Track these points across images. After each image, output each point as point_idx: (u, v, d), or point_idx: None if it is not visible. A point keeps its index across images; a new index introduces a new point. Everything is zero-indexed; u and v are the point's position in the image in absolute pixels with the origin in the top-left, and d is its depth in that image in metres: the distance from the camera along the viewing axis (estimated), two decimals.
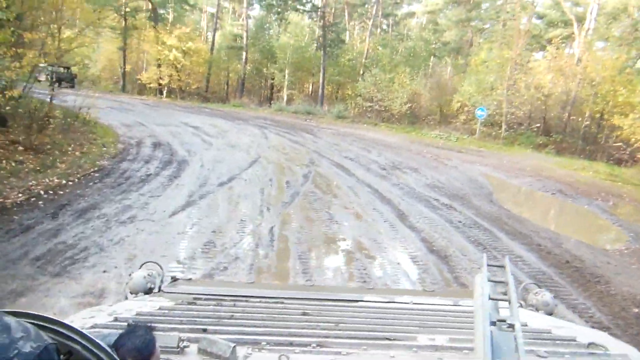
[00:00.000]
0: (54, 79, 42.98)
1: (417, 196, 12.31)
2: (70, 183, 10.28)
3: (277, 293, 2.73)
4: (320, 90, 36.89)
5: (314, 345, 1.93)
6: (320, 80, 36.60)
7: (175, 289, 2.72)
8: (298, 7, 38.44)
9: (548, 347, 1.95)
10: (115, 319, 2.08)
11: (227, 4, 51.15)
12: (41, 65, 48.16)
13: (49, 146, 12.45)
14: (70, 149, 13.00)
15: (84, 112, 21.67)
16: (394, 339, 2.03)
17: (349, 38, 43.80)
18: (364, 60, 37.57)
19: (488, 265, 1.73)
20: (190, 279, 3.99)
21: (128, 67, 42.66)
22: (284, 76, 37.78)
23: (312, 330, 2.09)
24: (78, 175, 10.91)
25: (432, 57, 38.86)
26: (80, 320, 2.04)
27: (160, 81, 38.70)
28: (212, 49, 41.90)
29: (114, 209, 8.94)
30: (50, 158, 11.52)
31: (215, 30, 44.08)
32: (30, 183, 9.66)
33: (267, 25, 43.08)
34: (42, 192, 9.29)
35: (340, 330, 2.12)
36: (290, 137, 21.08)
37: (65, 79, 42.24)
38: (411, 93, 30.93)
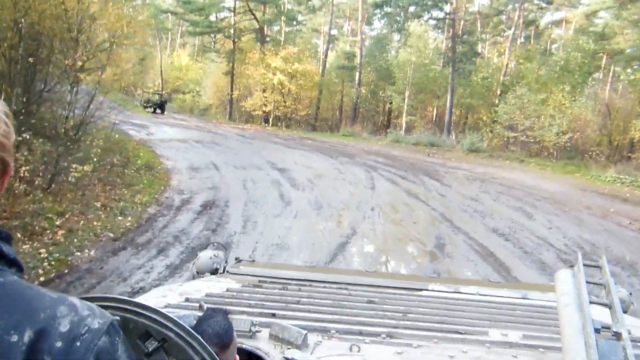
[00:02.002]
0: (147, 105, 42.50)
1: None
2: None
3: (341, 278, 2.78)
4: (447, 116, 30.44)
5: (384, 335, 1.92)
6: (448, 104, 30.15)
7: (239, 271, 2.81)
8: (422, 13, 31.83)
9: None
10: (187, 299, 2.16)
11: (342, 20, 46.79)
12: (137, 93, 46.23)
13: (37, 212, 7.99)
14: (64, 219, 8.42)
15: (141, 148, 17.76)
16: (465, 333, 2.01)
17: (482, 51, 36.76)
18: (501, 77, 30.51)
19: (584, 264, 1.57)
20: (253, 261, 3.57)
21: (235, 94, 39.58)
22: (403, 99, 31.94)
23: (381, 320, 2.10)
24: None
25: (594, 71, 30.58)
26: (153, 299, 2.13)
27: (264, 108, 34.83)
28: (323, 71, 37.36)
29: None
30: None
31: (327, 49, 39.58)
32: None
33: (385, 40, 37.52)
34: None
35: (408, 320, 2.12)
36: (407, 185, 15.15)
37: (157, 105, 42.08)
38: (572, 119, 23.31)
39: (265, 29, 40.44)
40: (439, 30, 33.95)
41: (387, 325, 2.03)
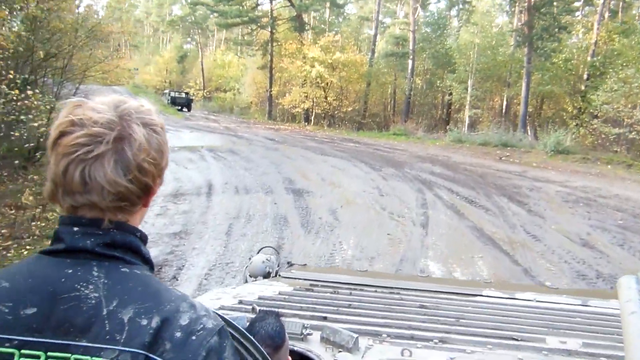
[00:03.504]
0: (173, 103, 40.25)
1: None
2: None
3: (393, 283, 2.75)
4: (522, 108, 24.81)
5: (436, 340, 1.91)
6: (523, 92, 24.48)
7: (291, 275, 2.85)
8: None
9: None
10: (240, 302, 2.20)
11: (393, 4, 41.65)
12: (165, 91, 43.54)
13: None
14: None
15: None
16: (521, 339, 1.95)
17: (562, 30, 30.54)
18: (589, 59, 24.54)
19: None
20: (305, 265, 3.66)
21: (275, 90, 35.43)
22: (466, 89, 26.61)
23: (433, 325, 2.08)
24: None
25: None
26: (207, 300, 2.15)
27: (303, 105, 30.42)
28: (371, 61, 32.49)
29: None
30: None
31: (376, 35, 34.56)
32: None
33: (443, 20, 31.98)
34: None
35: (461, 326, 2.08)
36: (477, 216, 10.25)
37: (183, 103, 40.39)
38: None
39: (305, 16, 36.03)
40: (509, 2, 28.01)
41: (440, 330, 2.02)
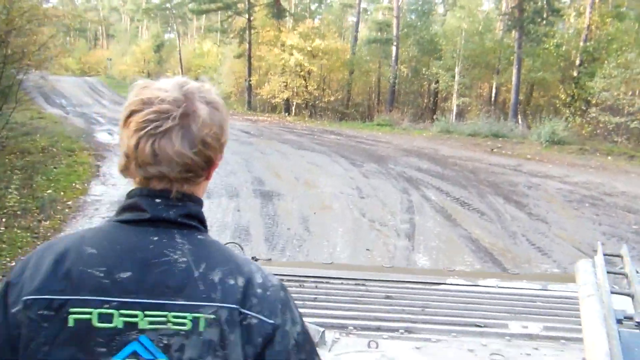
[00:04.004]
0: None
1: None
2: None
3: (358, 275, 2.72)
4: (512, 96, 23.43)
5: (402, 330, 1.96)
6: (514, 79, 23.10)
7: None
8: None
9: None
10: None
11: None
12: (139, 81, 42.40)
13: None
14: None
15: None
16: (485, 326, 2.02)
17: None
18: (582, 43, 23.25)
19: (605, 254, 1.62)
20: (269, 259, 3.50)
21: (254, 79, 33.72)
22: (453, 77, 25.22)
23: (399, 315, 2.12)
24: None
25: None
26: None
27: (282, 95, 28.83)
28: (353, 48, 30.93)
29: None
30: None
31: (358, 21, 32.95)
32: None
33: (428, 5, 30.38)
34: None
35: (426, 315, 2.13)
36: (471, 222, 8.89)
37: None
38: None
39: (285, 3, 34.32)
40: None
41: (406, 320, 2.06)
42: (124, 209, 1.01)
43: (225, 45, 39.62)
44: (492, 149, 17.54)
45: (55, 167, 12.32)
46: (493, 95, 27.16)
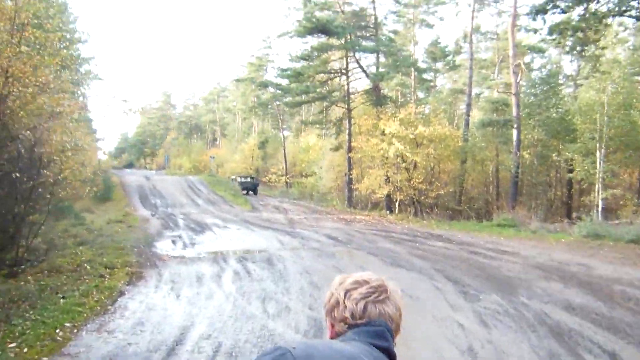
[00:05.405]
0: (243, 188, 38.88)
1: None
2: None
3: None
4: None
5: None
6: None
7: None
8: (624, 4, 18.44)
9: None
10: None
11: (487, 70, 36.20)
12: (232, 177, 41.22)
13: None
14: None
15: None
16: None
17: None
18: None
19: None
20: None
21: (355, 173, 30.71)
22: (592, 163, 19.99)
23: None
24: None
25: None
26: None
27: (381, 190, 25.15)
28: (465, 134, 26.88)
29: None
30: None
31: (469, 103, 29.00)
32: None
33: (554, 77, 25.65)
34: None
35: None
36: None
37: (249, 187, 39.79)
38: None
39: (388, 91, 31.64)
40: None
41: None
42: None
43: (326, 137, 37.60)
44: None
45: (63, 297, 9.41)
46: None
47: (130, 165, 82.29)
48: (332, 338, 1.48)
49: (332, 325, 1.50)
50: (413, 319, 8.02)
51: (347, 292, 1.47)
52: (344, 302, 1.46)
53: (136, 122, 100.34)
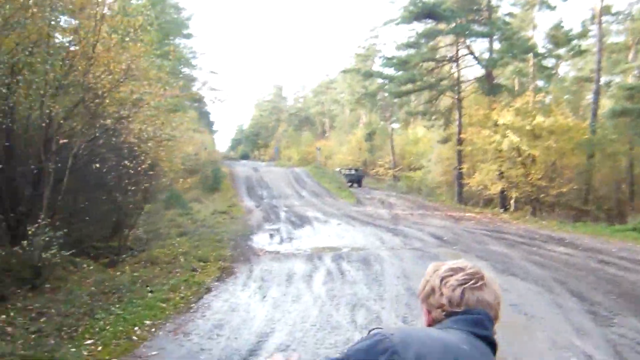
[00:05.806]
0: (349, 181, 38.79)
1: None
2: None
3: None
4: None
5: None
6: None
7: None
8: None
9: None
10: None
11: (619, 54, 32.21)
12: (337, 169, 41.12)
13: None
14: None
15: None
16: None
17: None
18: None
19: None
20: None
21: (466, 167, 28.92)
22: None
23: None
24: None
25: None
26: None
27: (494, 186, 23.22)
28: (592, 125, 24.01)
29: None
30: None
31: (597, 92, 25.82)
32: None
33: None
34: None
35: None
36: None
37: (354, 179, 39.71)
38: None
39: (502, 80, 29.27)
40: None
41: None
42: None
43: (434, 129, 35.88)
44: None
45: (151, 291, 9.32)
46: None
47: (246, 157, 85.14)
48: (429, 325, 1.44)
49: (429, 312, 1.46)
50: (525, 343, 6.78)
51: (442, 279, 1.44)
52: (440, 289, 1.44)
53: (250, 114, 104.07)
